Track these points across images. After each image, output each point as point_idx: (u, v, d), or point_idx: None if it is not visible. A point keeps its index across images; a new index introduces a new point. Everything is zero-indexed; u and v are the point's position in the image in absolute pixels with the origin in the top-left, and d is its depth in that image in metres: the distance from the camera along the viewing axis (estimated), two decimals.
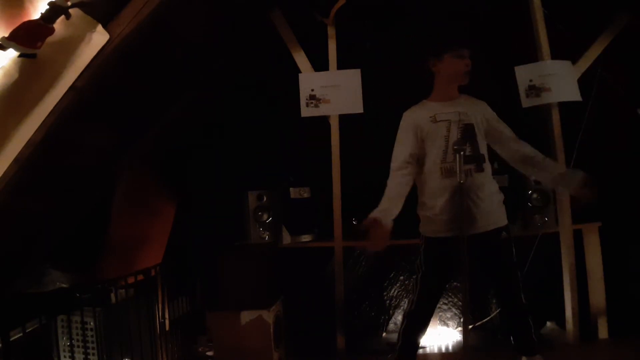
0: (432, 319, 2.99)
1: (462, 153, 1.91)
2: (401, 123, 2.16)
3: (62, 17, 1.95)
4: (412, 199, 2.44)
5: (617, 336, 2.77)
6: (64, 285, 2.56)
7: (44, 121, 1.99)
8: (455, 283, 3.16)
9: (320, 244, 3.08)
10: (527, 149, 2.11)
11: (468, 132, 2.00)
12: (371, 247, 2.01)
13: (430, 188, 2.08)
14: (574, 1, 2.91)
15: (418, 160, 2.09)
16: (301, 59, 2.97)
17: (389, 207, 2.03)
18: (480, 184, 2.04)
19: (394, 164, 2.10)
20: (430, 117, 2.09)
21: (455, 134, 2.04)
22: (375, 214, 1.99)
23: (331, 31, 2.95)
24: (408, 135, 2.10)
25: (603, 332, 2.79)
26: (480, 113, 2.13)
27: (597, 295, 2.83)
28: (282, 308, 2.80)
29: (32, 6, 1.92)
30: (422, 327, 2.18)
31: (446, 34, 2.30)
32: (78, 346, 2.41)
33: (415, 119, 2.13)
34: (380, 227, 1.94)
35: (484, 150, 2.09)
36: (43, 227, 2.46)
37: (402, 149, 2.10)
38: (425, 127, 2.09)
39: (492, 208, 2.07)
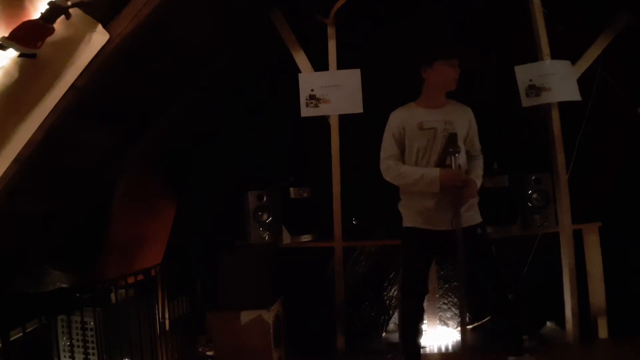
0: (431, 319, 3.01)
1: (456, 155, 2.04)
2: (389, 123, 2.27)
3: (62, 17, 1.95)
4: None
5: (617, 336, 2.77)
6: (64, 285, 2.56)
7: (44, 121, 1.99)
8: (454, 283, 3.16)
9: (320, 244, 3.08)
10: (478, 164, 2.26)
11: (451, 142, 2.08)
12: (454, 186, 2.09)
13: (418, 195, 2.20)
14: (574, 1, 2.91)
15: (402, 153, 2.24)
16: (301, 59, 2.97)
17: (424, 170, 2.15)
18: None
19: (388, 161, 2.23)
20: (418, 123, 2.19)
21: (439, 143, 2.14)
22: (432, 174, 2.11)
23: (331, 31, 2.95)
24: (393, 137, 2.23)
25: (603, 332, 2.79)
26: (465, 121, 2.23)
27: (597, 295, 2.83)
28: (282, 308, 2.80)
29: (32, 6, 1.92)
30: (417, 322, 2.23)
31: (438, 41, 2.34)
32: (78, 346, 2.42)
33: (401, 122, 2.23)
34: (449, 172, 2.08)
35: (462, 159, 2.17)
36: (43, 227, 2.46)
37: (391, 150, 2.23)
38: (410, 133, 2.20)
39: (468, 206, 2.17)
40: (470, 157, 2.28)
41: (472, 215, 2.19)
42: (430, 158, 2.15)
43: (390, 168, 2.21)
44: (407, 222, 2.26)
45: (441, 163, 2.10)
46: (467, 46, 2.23)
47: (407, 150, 2.20)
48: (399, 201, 2.31)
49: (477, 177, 2.20)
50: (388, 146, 2.23)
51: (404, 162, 2.22)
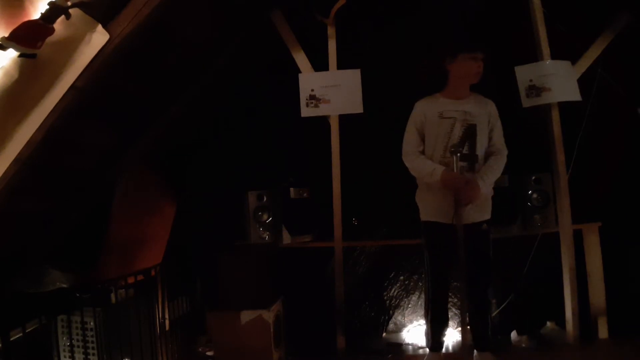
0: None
1: (458, 155, 2.07)
2: (412, 112, 2.36)
3: (62, 17, 1.94)
4: (412, 201, 2.45)
5: (617, 336, 2.77)
6: (64, 285, 2.56)
7: (44, 121, 1.99)
8: (455, 283, 3.16)
9: (320, 244, 3.08)
10: (494, 161, 2.27)
11: (469, 133, 2.11)
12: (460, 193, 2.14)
13: (430, 187, 2.28)
14: (574, 1, 2.91)
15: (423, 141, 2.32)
16: (301, 59, 2.97)
17: (434, 166, 2.22)
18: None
19: (407, 148, 2.32)
20: (438, 112, 2.27)
21: (457, 133, 2.19)
22: (436, 174, 2.18)
23: (331, 31, 2.95)
24: (414, 125, 2.32)
25: (603, 332, 2.79)
26: (485, 113, 2.29)
27: (597, 295, 2.83)
28: (282, 308, 2.80)
29: (32, 6, 1.92)
30: (444, 310, 2.38)
31: (461, 35, 2.41)
32: (78, 346, 2.41)
33: (422, 111, 2.32)
34: (449, 175, 2.15)
35: (481, 150, 2.22)
36: (43, 227, 2.46)
37: (411, 139, 2.32)
38: (431, 121, 2.28)
39: (480, 203, 2.24)
40: (488, 153, 2.30)
41: (481, 211, 2.27)
42: (446, 147, 2.22)
43: (407, 155, 2.32)
44: (423, 216, 2.37)
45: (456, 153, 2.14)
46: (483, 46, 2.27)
47: (426, 138, 2.30)
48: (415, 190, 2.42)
49: (482, 178, 2.20)
50: (408, 134, 2.34)
51: (424, 150, 2.30)
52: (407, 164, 2.33)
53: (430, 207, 2.32)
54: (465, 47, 2.23)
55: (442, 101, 2.30)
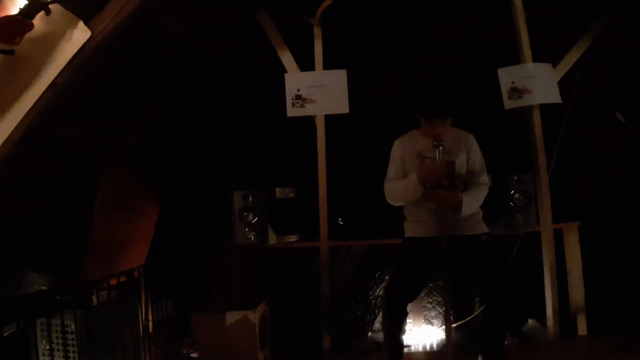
0: (416, 318, 3.03)
1: (440, 148, 2.07)
2: (392, 150, 2.31)
3: (42, 12, 1.90)
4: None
5: (596, 333, 2.84)
6: (44, 288, 2.50)
7: (22, 119, 1.94)
8: (439, 282, 3.20)
9: (306, 244, 3.08)
10: (476, 189, 2.19)
11: (448, 170, 2.09)
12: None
13: (414, 205, 2.21)
14: (554, 5, 2.97)
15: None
16: (287, 58, 2.97)
17: (409, 178, 2.17)
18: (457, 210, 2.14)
19: (387, 177, 2.26)
20: (416, 152, 2.19)
21: None
22: (413, 177, 2.14)
23: (317, 31, 2.95)
24: (396, 164, 2.26)
25: (582, 329, 2.86)
26: (464, 147, 2.23)
27: (577, 293, 2.90)
28: (267, 308, 2.79)
29: (11, 1, 1.87)
30: (401, 320, 2.18)
31: (422, 100, 2.29)
32: (58, 350, 2.36)
33: (402, 151, 2.27)
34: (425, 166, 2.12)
35: (461, 184, 2.19)
36: (22, 228, 2.40)
37: (392, 170, 2.27)
38: (410, 160, 2.22)
39: (468, 220, 2.17)
40: (469, 183, 2.23)
41: (475, 226, 2.19)
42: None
43: (385, 182, 2.25)
44: (407, 233, 2.28)
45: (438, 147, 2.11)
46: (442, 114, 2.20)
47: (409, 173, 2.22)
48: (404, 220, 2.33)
49: (465, 195, 2.14)
50: (390, 168, 2.28)
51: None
52: (385, 193, 2.24)
53: (415, 224, 2.23)
54: (428, 115, 2.18)
55: (420, 139, 2.24)
